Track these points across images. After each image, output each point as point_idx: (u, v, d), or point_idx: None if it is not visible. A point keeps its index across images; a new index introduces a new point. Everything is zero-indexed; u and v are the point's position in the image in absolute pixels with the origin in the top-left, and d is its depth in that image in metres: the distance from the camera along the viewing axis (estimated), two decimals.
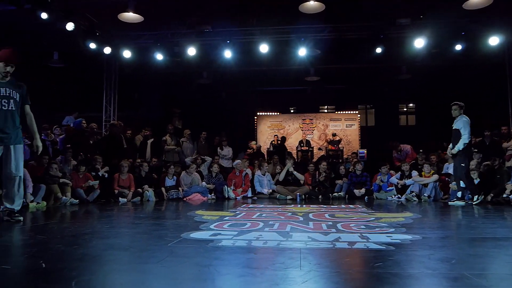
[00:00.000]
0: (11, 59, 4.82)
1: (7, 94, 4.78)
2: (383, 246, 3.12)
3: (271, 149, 13.93)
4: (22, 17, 9.60)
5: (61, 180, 7.70)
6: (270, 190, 9.71)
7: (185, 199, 9.00)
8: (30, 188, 7.03)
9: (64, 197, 7.54)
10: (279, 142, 14.27)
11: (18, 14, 9.44)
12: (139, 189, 8.78)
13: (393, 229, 4.03)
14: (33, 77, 13.88)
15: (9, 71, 4.80)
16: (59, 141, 10.20)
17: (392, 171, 9.91)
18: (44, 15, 8.85)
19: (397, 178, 9.31)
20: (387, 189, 9.34)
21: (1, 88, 4.74)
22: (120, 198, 8.43)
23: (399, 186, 9.16)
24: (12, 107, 4.81)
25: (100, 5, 10.10)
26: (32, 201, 6.89)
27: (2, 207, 5.07)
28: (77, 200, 7.76)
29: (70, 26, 9.60)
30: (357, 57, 12.87)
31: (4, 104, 4.75)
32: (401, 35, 10.93)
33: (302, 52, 11.05)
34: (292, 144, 15.90)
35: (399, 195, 8.96)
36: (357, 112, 17.31)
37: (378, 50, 10.89)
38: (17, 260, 2.73)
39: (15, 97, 4.84)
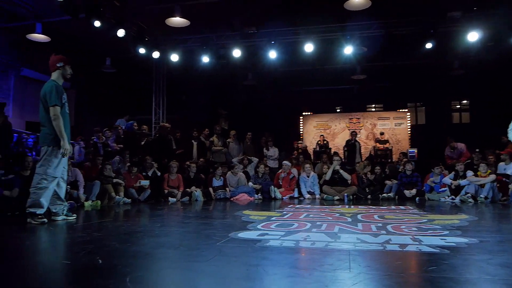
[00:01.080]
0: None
1: (66, 100, 5.07)
2: (437, 249, 2.99)
3: (317, 149, 13.78)
4: (78, 25, 10.12)
5: (115, 180, 8.03)
6: (316, 196, 9.51)
7: (232, 199, 9.10)
8: (81, 189, 7.41)
9: (117, 197, 7.86)
10: (325, 142, 14.10)
11: (73, 23, 9.96)
12: (187, 189, 8.99)
13: (447, 232, 3.86)
14: (88, 83, 14.65)
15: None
16: (110, 142, 10.67)
17: (445, 171, 9.50)
18: (97, 23, 9.29)
19: (450, 179, 8.90)
20: (440, 190, 8.96)
21: (65, 94, 5.04)
22: (169, 198, 8.68)
23: (453, 187, 8.75)
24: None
25: (149, 12, 10.46)
26: (86, 200, 7.24)
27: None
28: (130, 200, 8.07)
29: (121, 32, 10.01)
30: (406, 53, 12.44)
31: (67, 108, 5.10)
32: (453, 29, 10.44)
33: (348, 50, 10.85)
34: (339, 144, 15.66)
35: (453, 196, 8.56)
36: (406, 110, 16.75)
37: (428, 45, 10.46)
38: (76, 257, 2.88)
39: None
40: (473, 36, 10.06)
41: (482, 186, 8.37)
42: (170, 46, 11.89)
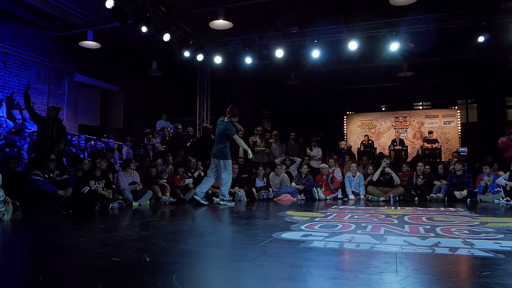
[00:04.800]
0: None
1: None
2: (491, 253, 2.85)
3: (362, 149, 13.51)
4: (126, 31, 10.52)
5: (160, 182, 8.27)
6: (361, 196, 9.34)
7: (275, 199, 9.10)
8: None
9: (164, 197, 8.08)
10: (370, 142, 13.78)
11: (122, 29, 10.37)
12: (231, 190, 9.07)
13: (502, 235, 3.66)
14: (135, 86, 15.19)
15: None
16: (156, 143, 11.00)
17: (500, 172, 9.00)
18: (144, 29, 9.59)
19: (505, 179, 8.42)
20: (495, 190, 8.50)
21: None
22: (213, 198, 8.80)
23: (508, 188, 8.27)
24: None
25: (193, 15, 10.71)
26: (135, 201, 7.51)
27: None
28: (175, 199, 8.27)
29: (166, 37, 10.29)
30: (456, 48, 11.93)
31: None
32: (508, 20, 9.85)
33: (394, 47, 10.53)
34: (384, 143, 15.26)
35: (508, 198, 8.09)
36: (456, 107, 16.06)
37: (481, 39, 9.94)
38: (125, 254, 2.99)
39: None
40: None
41: None
42: (214, 48, 12.08)
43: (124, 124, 14.70)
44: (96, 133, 12.77)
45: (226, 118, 7.49)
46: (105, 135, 12.89)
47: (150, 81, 15.17)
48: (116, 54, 13.52)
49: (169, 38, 10.35)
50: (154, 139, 11.23)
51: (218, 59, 12.03)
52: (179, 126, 11.63)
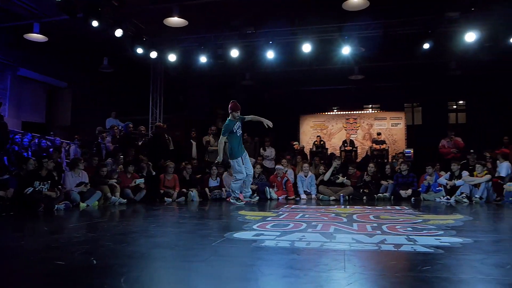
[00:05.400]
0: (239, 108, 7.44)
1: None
2: (432, 249, 3.01)
3: (314, 149, 13.80)
4: (75, 25, 10.10)
5: (110, 181, 8.01)
6: (312, 196, 9.55)
7: (228, 199, 9.08)
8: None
9: (113, 197, 7.84)
10: (321, 143, 14.12)
11: (71, 23, 9.94)
12: (183, 190, 8.98)
13: (442, 232, 3.87)
14: (85, 83, 14.63)
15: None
16: (106, 143, 10.66)
17: (441, 172, 9.53)
18: (95, 23, 9.27)
19: (446, 179, 8.93)
20: (437, 189, 8.98)
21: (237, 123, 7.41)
22: (165, 198, 8.67)
23: (448, 187, 8.78)
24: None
25: (147, 11, 10.45)
26: (83, 201, 7.22)
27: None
28: (125, 200, 8.05)
29: (119, 32, 10.00)
30: (404, 53, 12.47)
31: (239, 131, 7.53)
32: (451, 29, 10.45)
33: (346, 50, 10.86)
34: (335, 144, 15.68)
35: (448, 197, 8.58)
36: (403, 111, 16.81)
37: (426, 45, 10.48)
38: (70, 257, 2.87)
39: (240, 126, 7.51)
40: (470, 37, 10.08)
41: (477, 186, 8.40)
42: (168, 46, 11.88)
43: (72, 122, 14.12)
44: (41, 131, 12.16)
45: (230, 115, 7.48)
46: (51, 132, 12.32)
47: (101, 78, 14.65)
48: (64, 48, 12.92)
49: (121, 34, 10.07)
50: (105, 138, 10.88)
51: (172, 57, 11.84)
52: (130, 125, 11.33)
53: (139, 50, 11.17)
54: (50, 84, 13.39)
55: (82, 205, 7.11)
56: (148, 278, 2.38)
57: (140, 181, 8.52)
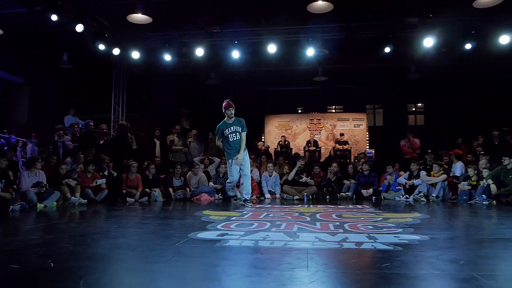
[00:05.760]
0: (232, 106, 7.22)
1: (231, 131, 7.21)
2: (391, 246, 3.10)
3: (278, 149, 13.91)
4: (33, 18, 9.69)
5: (69, 181, 7.73)
6: (277, 195, 9.64)
7: (192, 199, 9.02)
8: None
9: (73, 197, 7.59)
10: (286, 143, 14.25)
11: (29, 16, 9.53)
12: (146, 189, 8.82)
13: (401, 230, 4.01)
14: (43, 79, 14.07)
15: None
16: (66, 141, 10.31)
17: (401, 172, 9.85)
18: (54, 17, 8.93)
19: (405, 178, 9.25)
20: (397, 188, 9.28)
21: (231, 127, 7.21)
22: (128, 198, 8.48)
23: (407, 186, 9.10)
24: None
25: (110, 7, 10.17)
26: (40, 202, 6.94)
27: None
28: (86, 200, 7.81)
29: (79, 27, 9.68)
30: (366, 56, 12.79)
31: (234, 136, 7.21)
32: (410, 34, 10.83)
33: (310, 52, 11.02)
34: (300, 144, 15.87)
35: (407, 196, 8.89)
36: (365, 112, 17.24)
37: (387, 49, 10.81)
38: (26, 260, 2.76)
39: (238, 131, 7.22)
40: (428, 42, 10.48)
41: (434, 185, 8.75)
42: (131, 43, 11.63)
43: (30, 119, 13.55)
44: None
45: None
46: (5, 130, 11.76)
47: (60, 74, 14.12)
48: (22, 42, 12.36)
49: (82, 29, 9.75)
50: (65, 136, 10.51)
51: (136, 55, 11.60)
52: (91, 123, 10.99)
53: (101, 47, 10.86)
54: (5, 80, 12.79)
55: (40, 206, 6.83)
56: (108, 280, 2.32)
57: (102, 181, 8.30)
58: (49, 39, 11.75)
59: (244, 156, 7.29)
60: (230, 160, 7.26)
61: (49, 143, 10.32)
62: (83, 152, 9.15)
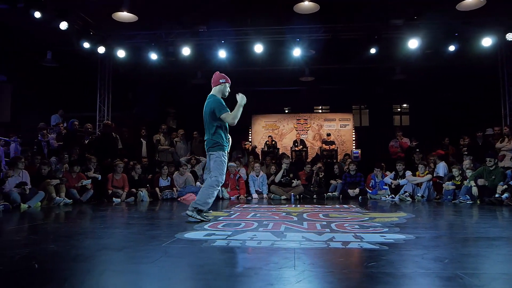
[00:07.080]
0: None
1: None
2: (377, 245, 3.13)
3: (265, 149, 13.93)
4: (16, 16, 9.52)
5: (53, 181, 7.62)
6: (264, 195, 9.67)
7: (179, 199, 8.98)
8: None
9: (57, 197, 7.48)
10: (273, 143, 14.27)
11: (11, 13, 9.35)
12: (133, 189, 8.74)
13: (387, 229, 4.05)
14: (27, 77, 13.82)
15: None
16: (50, 140, 10.15)
17: (387, 172, 9.96)
18: (37, 14, 8.79)
19: (391, 178, 9.35)
20: (383, 188, 9.38)
21: None
22: (114, 198, 8.40)
23: (393, 186, 9.20)
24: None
25: (94, 4, 10.02)
26: (24, 202, 6.82)
27: None
28: (71, 200, 7.71)
29: (64, 25, 9.54)
30: (352, 57, 12.87)
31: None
32: (395, 35, 10.97)
33: (297, 52, 11.06)
34: (286, 144, 15.92)
35: (393, 195, 8.99)
36: (351, 112, 17.37)
37: (373, 50, 10.91)
38: (9, 261, 2.71)
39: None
40: (413, 44, 10.62)
41: (419, 185, 8.87)
42: (117, 41, 11.50)
43: (13, 118, 13.30)
44: None
45: (217, 93, 5.61)
46: None
47: (44, 72, 13.88)
48: (4, 40, 12.11)
49: (66, 26, 9.62)
50: (48, 135, 10.34)
51: (121, 53, 11.48)
52: (75, 122, 10.83)
53: (86, 45, 10.72)
54: None
55: (23, 206, 6.72)
56: (93, 282, 2.29)
57: (87, 182, 8.21)
58: (33, 37, 11.55)
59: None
60: (226, 156, 5.12)
61: (33, 143, 10.15)
62: (68, 152, 9.02)
